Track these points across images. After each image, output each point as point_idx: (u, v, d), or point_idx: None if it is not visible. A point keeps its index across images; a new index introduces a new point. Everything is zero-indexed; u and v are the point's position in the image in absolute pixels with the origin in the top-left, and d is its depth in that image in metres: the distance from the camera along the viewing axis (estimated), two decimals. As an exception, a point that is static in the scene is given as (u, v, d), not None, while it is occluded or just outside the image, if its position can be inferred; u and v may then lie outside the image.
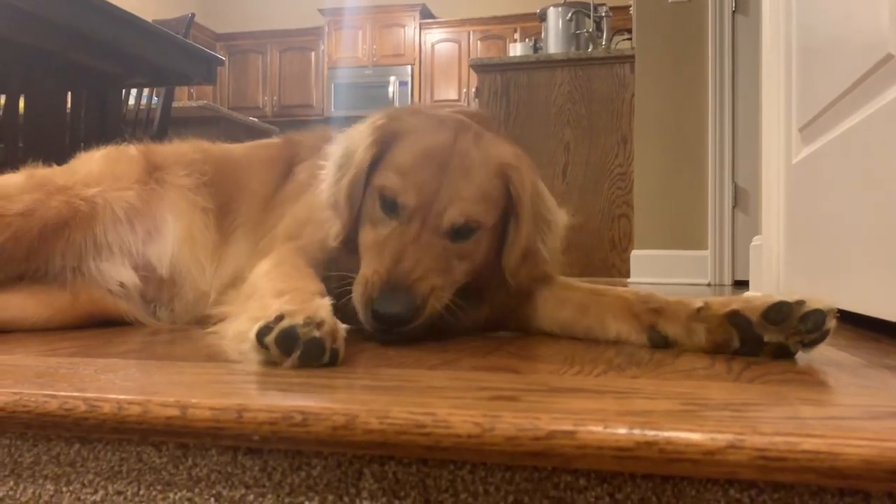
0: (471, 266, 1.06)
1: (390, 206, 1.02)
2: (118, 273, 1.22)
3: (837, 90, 1.36)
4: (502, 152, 1.08)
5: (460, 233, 1.03)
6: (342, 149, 1.12)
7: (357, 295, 0.98)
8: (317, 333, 0.76)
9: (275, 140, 1.52)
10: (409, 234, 1.00)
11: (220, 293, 1.19)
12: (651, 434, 0.53)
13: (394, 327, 0.96)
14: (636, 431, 0.53)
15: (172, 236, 1.26)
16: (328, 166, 1.13)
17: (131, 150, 1.37)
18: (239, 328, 0.89)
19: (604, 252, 3.98)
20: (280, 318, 0.77)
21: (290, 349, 0.75)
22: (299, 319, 0.76)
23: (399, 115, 1.11)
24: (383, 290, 0.95)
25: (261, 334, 0.77)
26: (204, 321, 1.10)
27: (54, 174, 1.28)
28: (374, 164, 1.06)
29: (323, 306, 0.82)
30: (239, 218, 1.32)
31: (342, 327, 0.81)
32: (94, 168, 1.30)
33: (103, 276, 1.21)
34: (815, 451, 0.50)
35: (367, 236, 1.05)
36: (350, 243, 1.08)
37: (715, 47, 3.51)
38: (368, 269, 0.99)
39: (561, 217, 1.17)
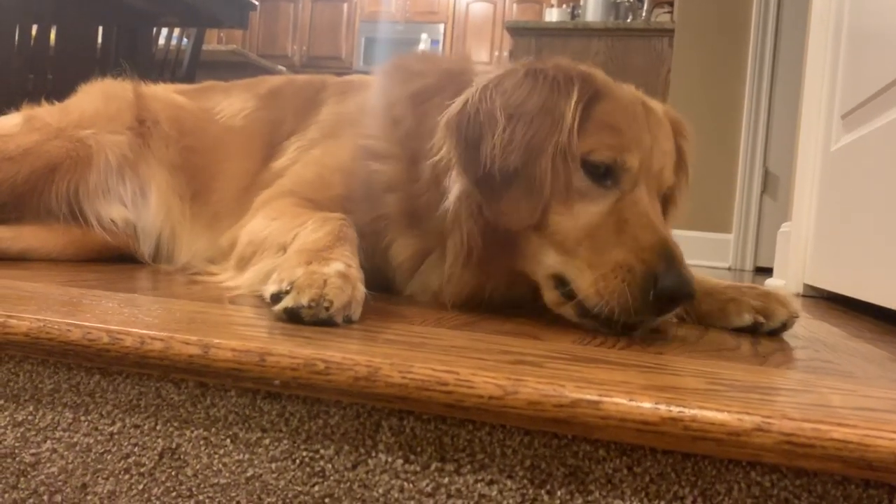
0: None
1: (602, 174, 0.89)
2: (109, 212, 1.22)
3: (887, 78, 1.32)
4: (665, 106, 1.02)
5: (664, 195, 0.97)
6: (502, 100, 0.89)
7: (613, 287, 0.81)
8: (324, 315, 0.71)
9: (260, 90, 1.35)
10: (644, 199, 0.89)
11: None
12: (676, 410, 0.52)
13: (674, 308, 0.84)
14: (661, 407, 0.52)
15: (153, 219, 1.24)
16: (483, 117, 0.88)
17: (127, 90, 1.33)
18: (254, 277, 0.91)
19: (625, 228, 3.94)
20: (289, 288, 0.73)
21: (299, 322, 0.72)
22: (304, 300, 0.71)
23: (570, 66, 0.95)
24: (675, 265, 0.81)
25: (274, 299, 0.74)
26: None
27: (51, 113, 1.27)
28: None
29: (334, 275, 0.75)
30: (220, 208, 1.23)
31: (361, 292, 0.77)
32: (89, 107, 1.28)
33: (100, 217, 1.21)
34: (844, 440, 0.49)
35: (570, 218, 0.87)
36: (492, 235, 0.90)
37: (758, 27, 3.42)
38: (617, 253, 0.83)
39: None
